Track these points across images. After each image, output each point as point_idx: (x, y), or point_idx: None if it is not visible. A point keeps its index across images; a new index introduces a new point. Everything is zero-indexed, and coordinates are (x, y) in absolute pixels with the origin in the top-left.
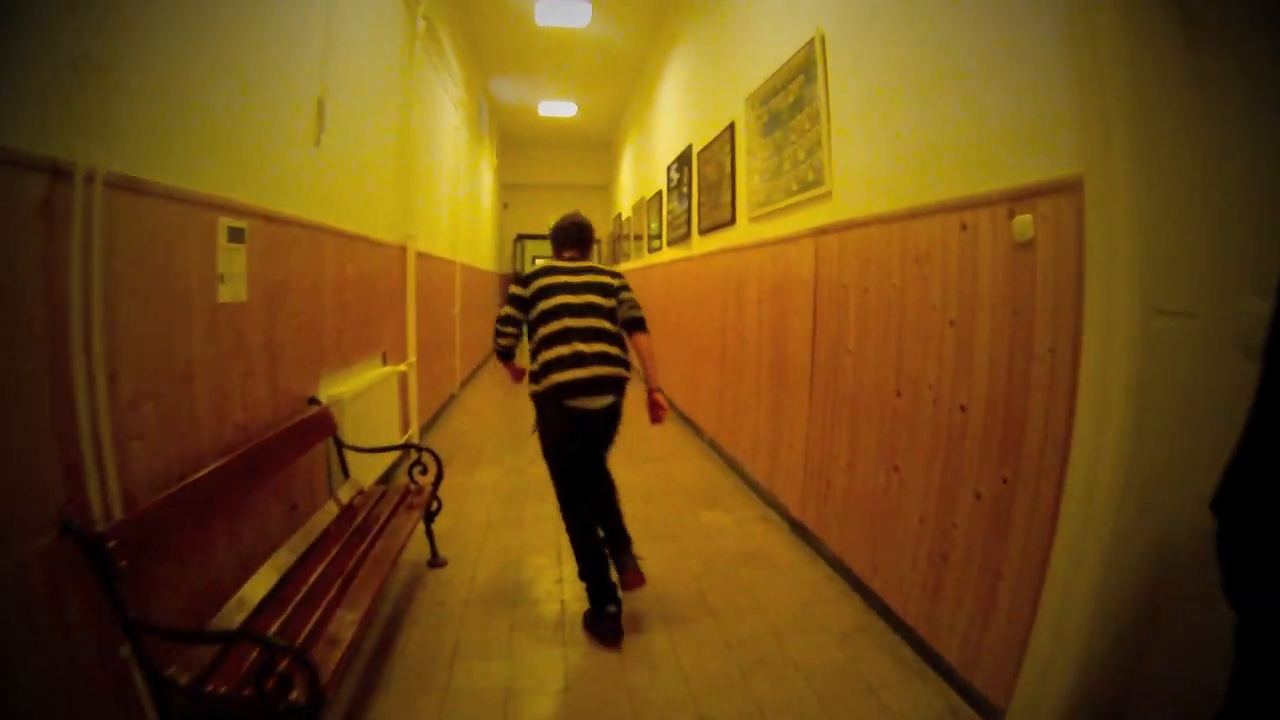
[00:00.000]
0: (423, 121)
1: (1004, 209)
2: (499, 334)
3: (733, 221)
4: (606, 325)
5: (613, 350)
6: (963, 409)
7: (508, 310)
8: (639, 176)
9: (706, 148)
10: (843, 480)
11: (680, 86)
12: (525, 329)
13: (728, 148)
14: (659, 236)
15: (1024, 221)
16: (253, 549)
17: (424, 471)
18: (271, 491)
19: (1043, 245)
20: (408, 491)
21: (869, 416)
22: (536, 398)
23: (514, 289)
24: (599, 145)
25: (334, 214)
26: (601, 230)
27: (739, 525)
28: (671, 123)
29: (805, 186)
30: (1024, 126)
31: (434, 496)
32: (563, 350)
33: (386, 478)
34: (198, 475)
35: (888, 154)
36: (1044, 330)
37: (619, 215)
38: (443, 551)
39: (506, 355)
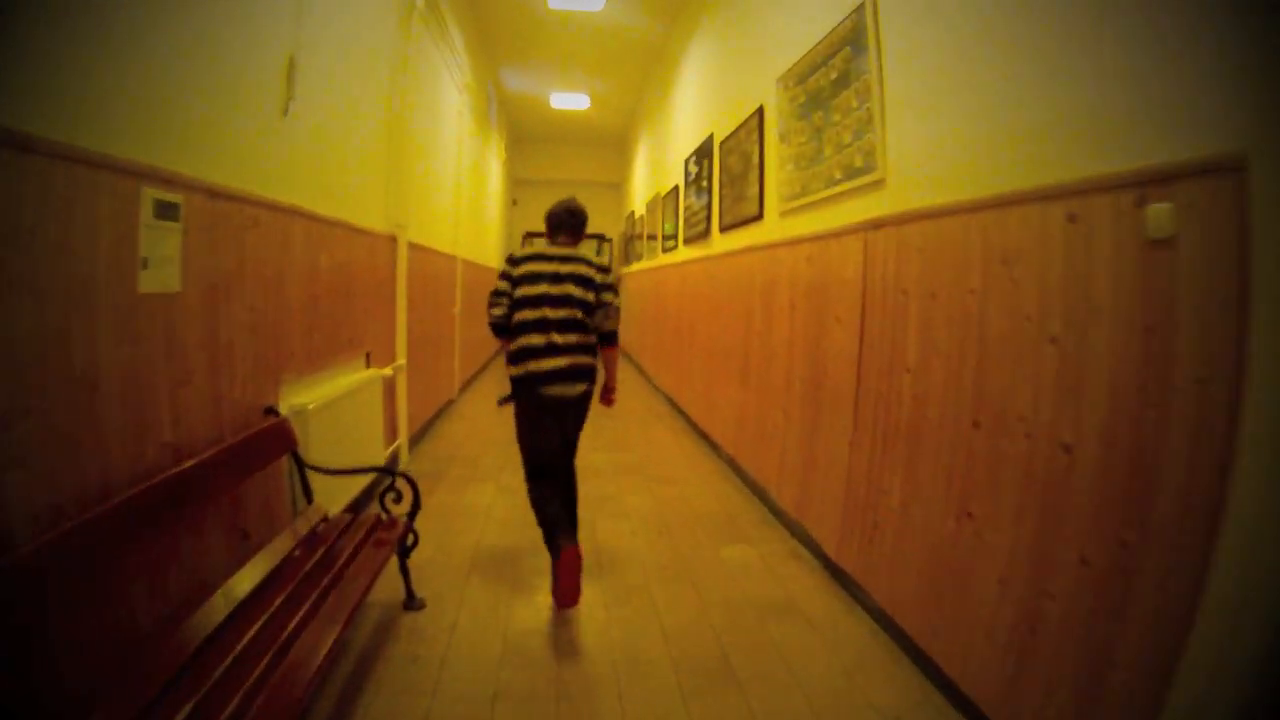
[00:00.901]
0: (420, 102)
1: (1130, 195)
2: (491, 305)
3: (760, 216)
4: (581, 316)
5: (586, 340)
6: (1067, 449)
7: (499, 285)
8: (654, 172)
9: (730, 136)
10: (894, 522)
11: (701, 72)
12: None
13: (755, 135)
14: (674, 236)
15: (1160, 212)
16: (185, 592)
17: (398, 499)
18: (214, 520)
19: (1187, 242)
20: (378, 523)
21: (933, 450)
22: (514, 381)
23: (505, 267)
24: (612, 141)
25: (307, 195)
26: (614, 230)
27: (765, 564)
28: (691, 112)
29: (851, 173)
30: (1157, 92)
31: (409, 529)
32: (539, 339)
33: (363, 501)
34: (103, 508)
35: (962, 131)
36: (1189, 353)
37: (631, 213)
38: (420, 591)
39: (500, 329)
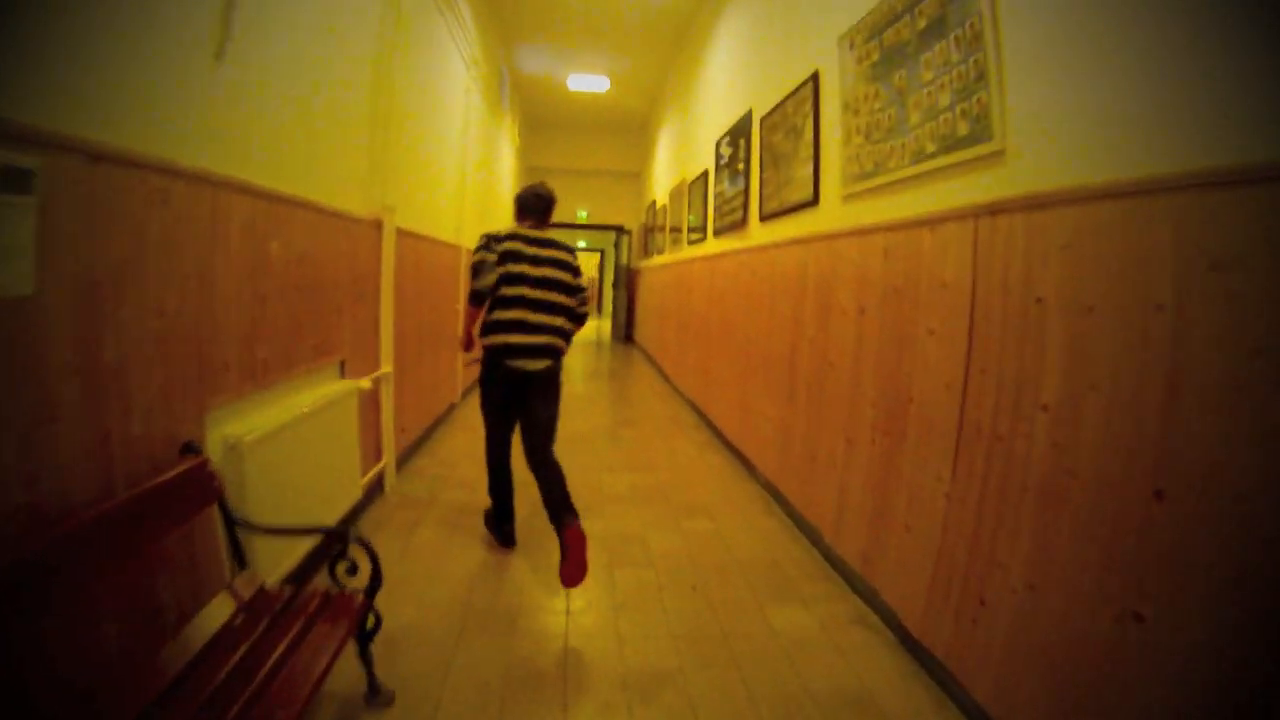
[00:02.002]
0: (419, 72)
1: None
2: (482, 274)
3: (814, 201)
4: (558, 299)
5: (556, 322)
6: None
7: (486, 257)
8: (679, 157)
9: (774, 111)
10: (1012, 605)
11: (737, 41)
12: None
13: (808, 106)
14: (702, 227)
15: None
16: (53, 706)
17: (353, 571)
18: (110, 600)
19: None
20: (327, 601)
21: (1083, 520)
22: (485, 350)
23: (486, 243)
24: (632, 126)
25: (252, 166)
26: (633, 221)
27: (826, 635)
28: (724, 88)
29: (951, 144)
30: None
31: (369, 607)
32: (514, 315)
33: (321, 557)
34: None
35: (1133, 82)
36: None
37: (652, 203)
38: (390, 673)
39: (479, 299)
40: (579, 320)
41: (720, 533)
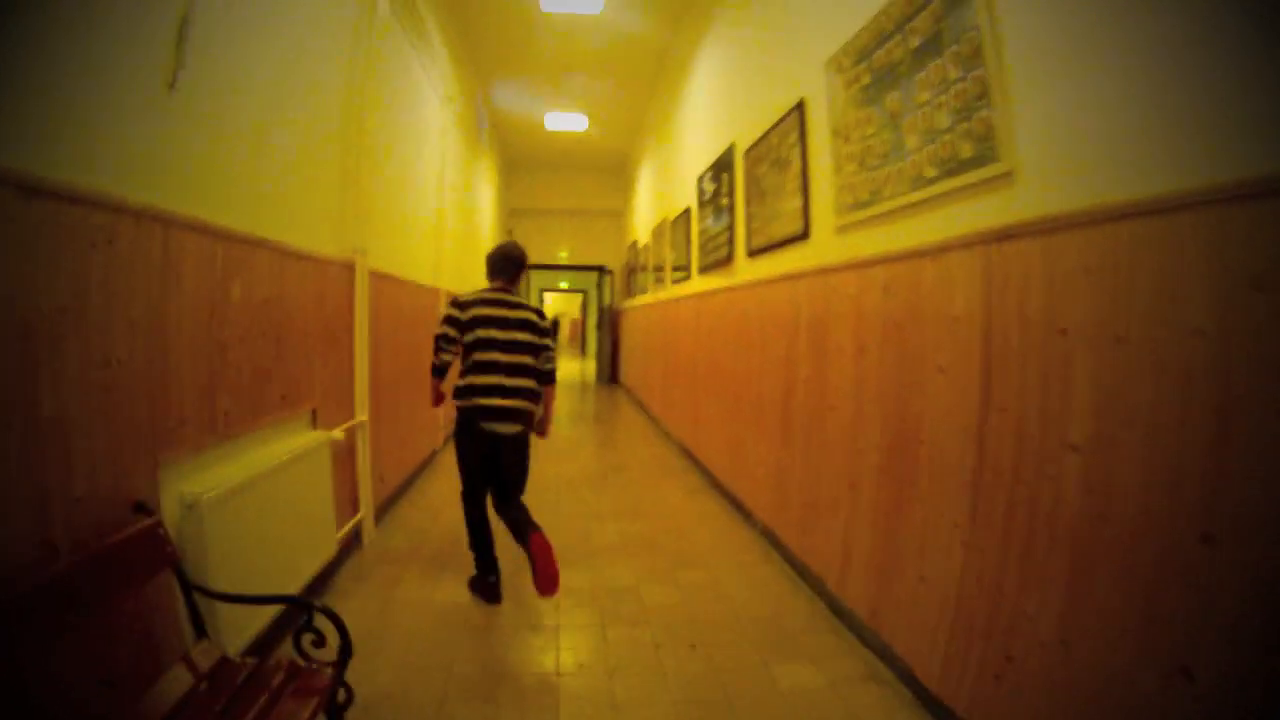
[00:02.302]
0: (390, 108)
1: None
2: (439, 350)
3: (804, 235)
4: (527, 361)
5: (528, 385)
6: None
7: (446, 330)
8: (660, 195)
9: (758, 143)
10: (1043, 661)
11: (716, 74)
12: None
13: (794, 135)
14: (686, 265)
15: None
16: None
17: (319, 643)
18: (45, 678)
19: None
20: (293, 673)
21: (1121, 568)
22: (459, 411)
23: (451, 311)
24: (612, 165)
25: (208, 202)
26: (615, 261)
27: (837, 693)
28: (704, 122)
29: (954, 168)
30: None
31: (339, 681)
32: (489, 380)
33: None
34: None
35: (1159, 90)
36: None
37: (634, 243)
38: None
39: (441, 372)
40: (546, 378)
41: (717, 583)
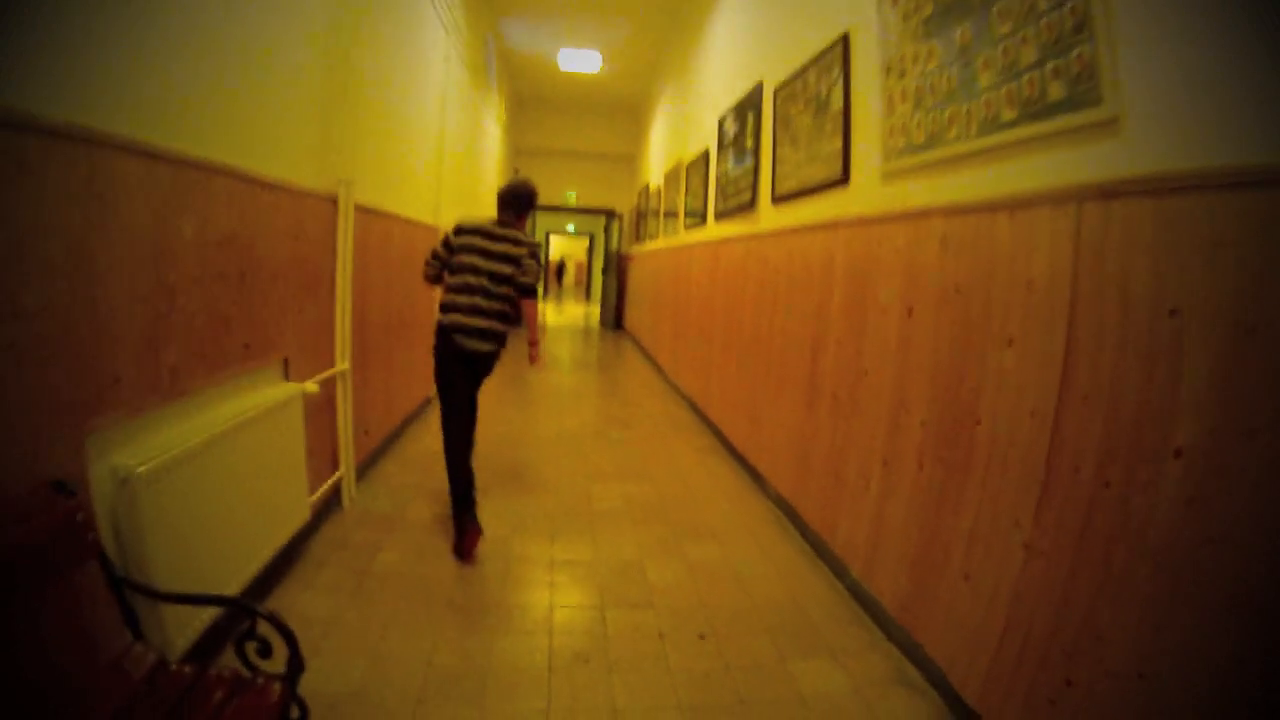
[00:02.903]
0: (385, 29)
1: None
2: (426, 263)
3: (844, 180)
4: (505, 290)
5: (502, 308)
6: None
7: (437, 248)
8: (676, 138)
9: (792, 80)
10: (1112, 691)
11: (745, 8)
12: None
13: (835, 72)
14: (702, 211)
15: None
16: None
17: (266, 653)
18: None
19: None
20: (238, 683)
21: (1232, 601)
22: (438, 326)
23: (448, 233)
24: (626, 107)
25: (158, 123)
26: (624, 205)
27: (861, 699)
28: (728, 60)
29: (1039, 111)
30: None
31: (289, 697)
32: (466, 300)
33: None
34: None
35: None
36: None
37: (646, 186)
38: None
39: (431, 280)
40: (523, 290)
41: (729, 561)
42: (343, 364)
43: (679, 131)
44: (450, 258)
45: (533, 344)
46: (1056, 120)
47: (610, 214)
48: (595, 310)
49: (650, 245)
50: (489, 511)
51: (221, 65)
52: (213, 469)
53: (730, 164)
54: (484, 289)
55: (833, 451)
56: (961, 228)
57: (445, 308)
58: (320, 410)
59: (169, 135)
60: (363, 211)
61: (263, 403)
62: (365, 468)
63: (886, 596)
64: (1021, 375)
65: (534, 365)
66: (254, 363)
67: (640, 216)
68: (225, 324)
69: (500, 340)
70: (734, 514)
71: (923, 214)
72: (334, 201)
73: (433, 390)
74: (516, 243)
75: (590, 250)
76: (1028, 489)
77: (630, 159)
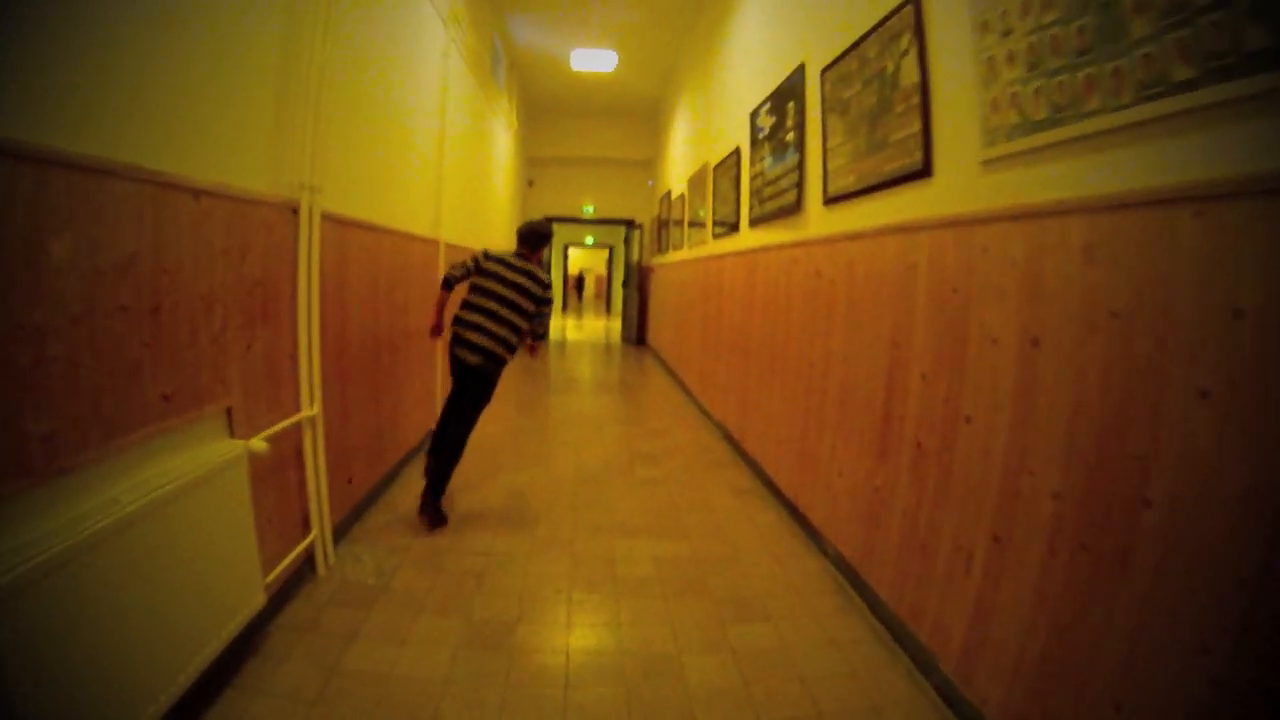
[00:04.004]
0: (359, 11)
1: None
2: (453, 266)
3: (926, 172)
4: (514, 319)
5: (505, 335)
6: None
7: (466, 261)
8: (700, 139)
9: (844, 56)
10: None
11: None
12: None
13: (906, 38)
14: (732, 219)
15: None
16: None
17: None
18: None
19: None
20: None
21: None
22: (451, 330)
23: (478, 254)
24: (643, 110)
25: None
26: (644, 214)
27: None
28: (761, 44)
29: (1232, 66)
30: None
31: None
32: (474, 317)
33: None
34: None
35: None
36: None
37: (667, 194)
38: None
39: (446, 284)
40: (535, 335)
41: (788, 651)
42: (310, 408)
43: (703, 132)
44: (474, 276)
45: (534, 350)
46: (1260, 79)
47: (630, 224)
48: (616, 324)
49: (674, 256)
50: (495, 578)
51: (122, 33)
52: (112, 566)
53: (767, 162)
54: (491, 311)
55: (915, 513)
56: (1116, 231)
57: (454, 320)
58: (284, 465)
59: (29, 124)
60: (339, 223)
61: (189, 471)
62: (348, 524)
63: (993, 708)
64: (1226, 444)
65: (532, 356)
66: (179, 418)
67: (662, 226)
68: (132, 371)
69: (492, 359)
70: (785, 579)
71: (1052, 212)
72: (292, 209)
73: (434, 423)
74: (533, 278)
75: (610, 262)
76: (1221, 605)
77: (649, 165)
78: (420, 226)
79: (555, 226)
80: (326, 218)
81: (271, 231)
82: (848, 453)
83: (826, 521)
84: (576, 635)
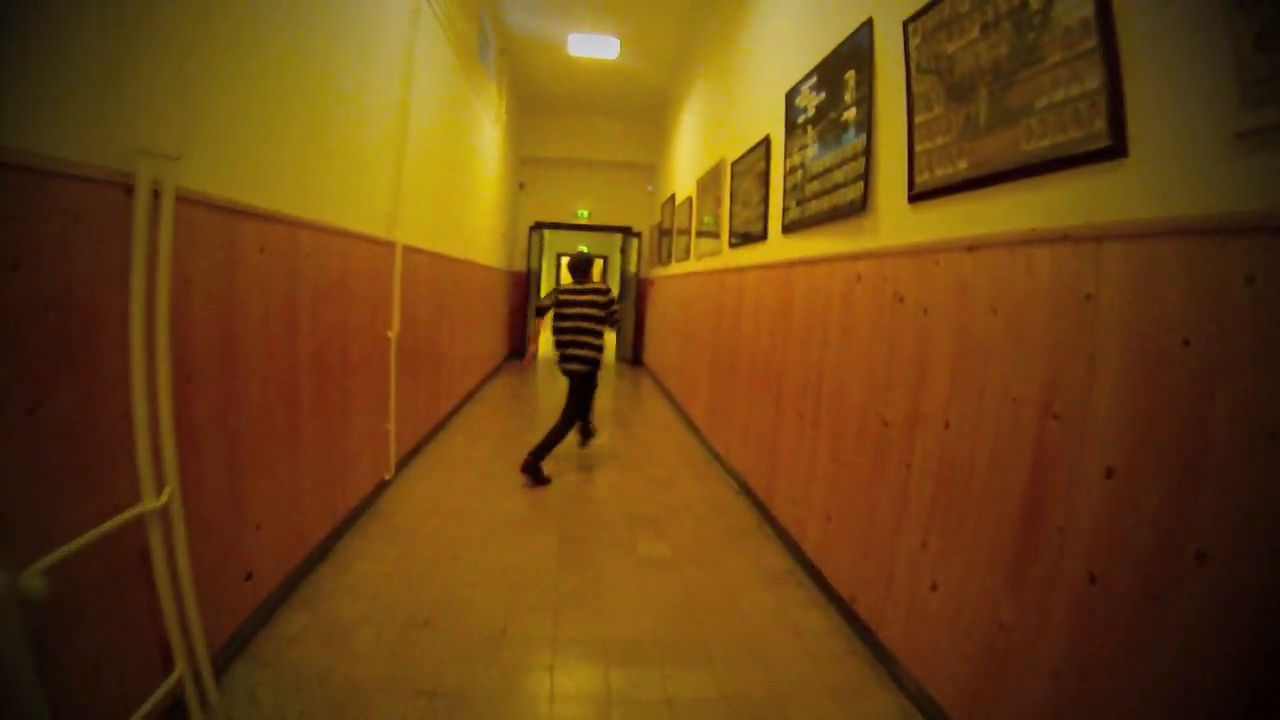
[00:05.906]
0: None
1: None
2: (545, 297)
3: (1116, 150)
4: (595, 327)
5: (589, 341)
6: None
7: (545, 301)
8: (715, 132)
9: (933, 5)
10: None
11: None
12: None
13: None
14: (755, 223)
15: None
16: None
17: None
18: None
19: None
20: None
21: None
22: (557, 355)
23: (555, 293)
24: (647, 108)
25: None
26: (644, 221)
27: None
28: (806, 6)
29: None
30: None
31: None
32: (568, 337)
33: None
34: None
35: None
36: None
37: (671, 198)
38: None
39: (540, 314)
40: (611, 322)
41: None
42: (155, 498)
43: (720, 123)
44: (557, 308)
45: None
46: None
47: (627, 232)
48: (610, 340)
49: (677, 268)
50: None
51: None
52: None
53: (810, 151)
54: (579, 328)
55: (1079, 679)
56: None
57: (556, 345)
58: (118, 584)
59: None
60: (223, 210)
61: None
62: (249, 632)
63: None
64: None
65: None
66: None
67: (664, 234)
68: None
69: (588, 364)
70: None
71: None
72: (126, 190)
73: (389, 469)
74: (595, 292)
75: (604, 273)
76: None
77: (650, 169)
78: (368, 224)
79: (546, 233)
80: (193, 201)
81: (80, 222)
82: (951, 560)
83: (908, 646)
84: None
